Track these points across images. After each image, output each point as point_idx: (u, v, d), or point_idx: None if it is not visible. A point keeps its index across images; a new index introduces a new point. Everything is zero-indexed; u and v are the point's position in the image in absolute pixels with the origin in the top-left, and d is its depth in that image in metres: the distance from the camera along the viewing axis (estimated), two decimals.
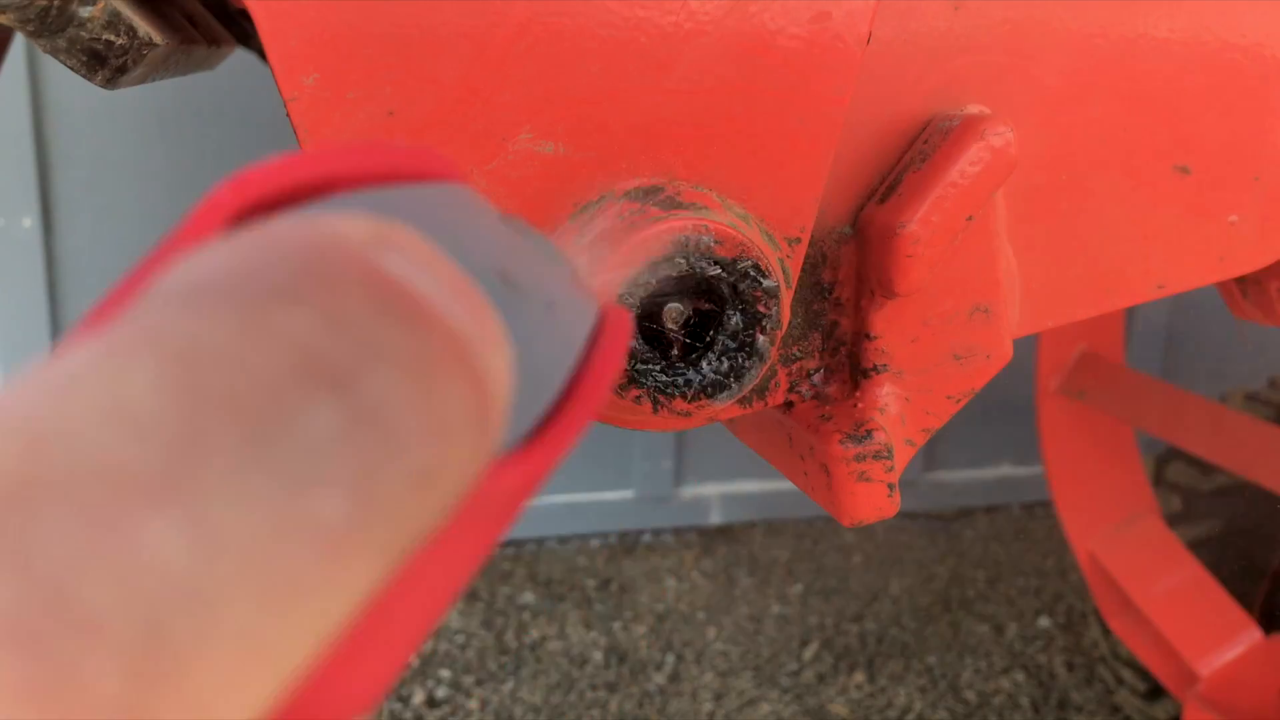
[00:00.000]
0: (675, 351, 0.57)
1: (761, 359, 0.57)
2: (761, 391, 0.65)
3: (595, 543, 2.93)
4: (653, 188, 0.57)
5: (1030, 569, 2.92)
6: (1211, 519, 1.93)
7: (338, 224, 0.23)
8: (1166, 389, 1.83)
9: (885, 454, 0.62)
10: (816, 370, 0.66)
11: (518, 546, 2.89)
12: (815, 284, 0.65)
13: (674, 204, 0.57)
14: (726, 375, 0.57)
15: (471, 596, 2.67)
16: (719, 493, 2.98)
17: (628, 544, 2.93)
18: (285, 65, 0.52)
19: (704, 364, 0.57)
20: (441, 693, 2.33)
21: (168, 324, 0.20)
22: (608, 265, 0.54)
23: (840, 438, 0.62)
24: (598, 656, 2.47)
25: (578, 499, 2.91)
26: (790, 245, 0.60)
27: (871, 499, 0.62)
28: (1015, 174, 0.63)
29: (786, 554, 2.93)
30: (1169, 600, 1.79)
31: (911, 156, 0.63)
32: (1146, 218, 0.69)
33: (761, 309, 0.56)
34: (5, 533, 0.17)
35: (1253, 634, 1.73)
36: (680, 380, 0.57)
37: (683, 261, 0.55)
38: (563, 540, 2.92)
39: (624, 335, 0.29)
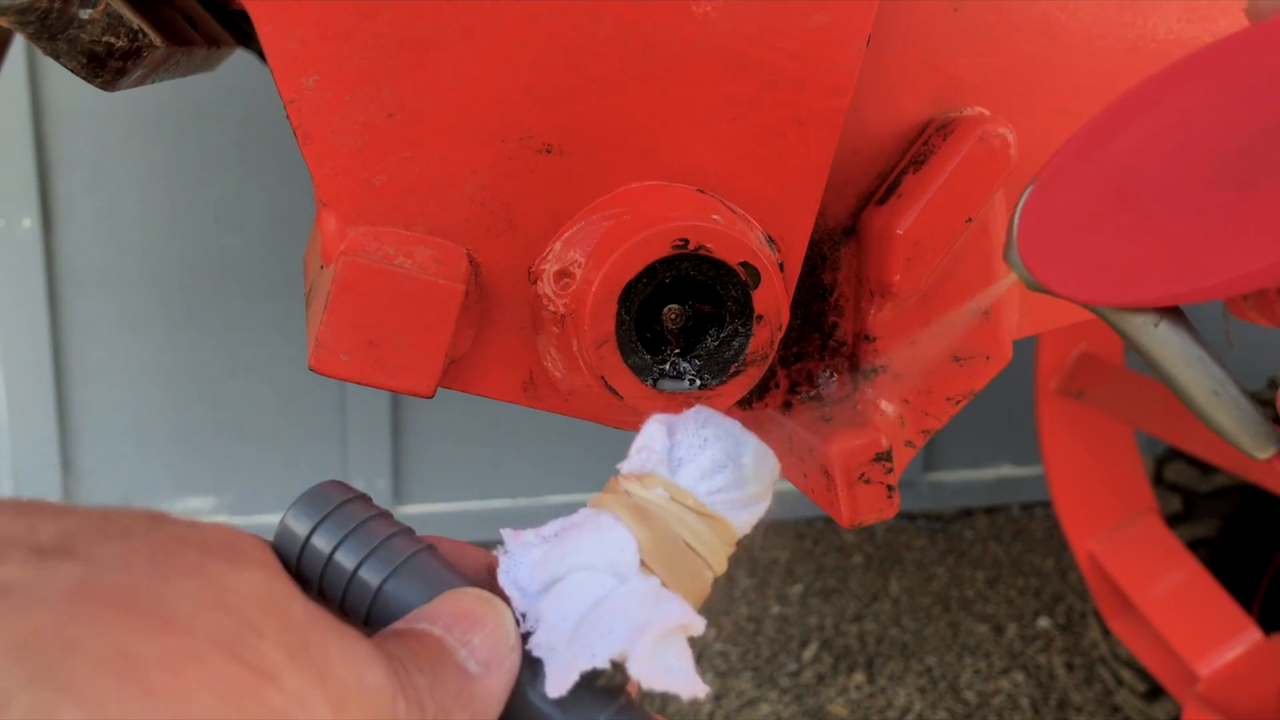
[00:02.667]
0: (675, 352, 0.57)
1: (761, 361, 0.57)
2: (761, 393, 0.65)
3: None
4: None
5: (1030, 569, 2.92)
6: (1211, 519, 1.93)
7: None
8: (1166, 389, 1.83)
9: (885, 455, 0.62)
10: (816, 371, 0.66)
11: None
12: (815, 285, 0.65)
13: None
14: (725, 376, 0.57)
15: None
16: None
17: None
18: (285, 66, 0.52)
19: (703, 365, 0.57)
20: None
21: None
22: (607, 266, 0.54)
23: (840, 439, 0.62)
24: None
25: (578, 499, 2.90)
26: (790, 247, 0.60)
27: (871, 500, 0.62)
28: (1015, 175, 0.63)
29: (786, 554, 2.93)
30: (1169, 600, 1.79)
31: (911, 158, 0.63)
32: None
33: (760, 311, 0.56)
34: None
35: (1253, 634, 1.73)
36: (680, 381, 0.57)
37: (682, 263, 0.55)
38: None
39: None
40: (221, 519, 2.75)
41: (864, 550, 2.98)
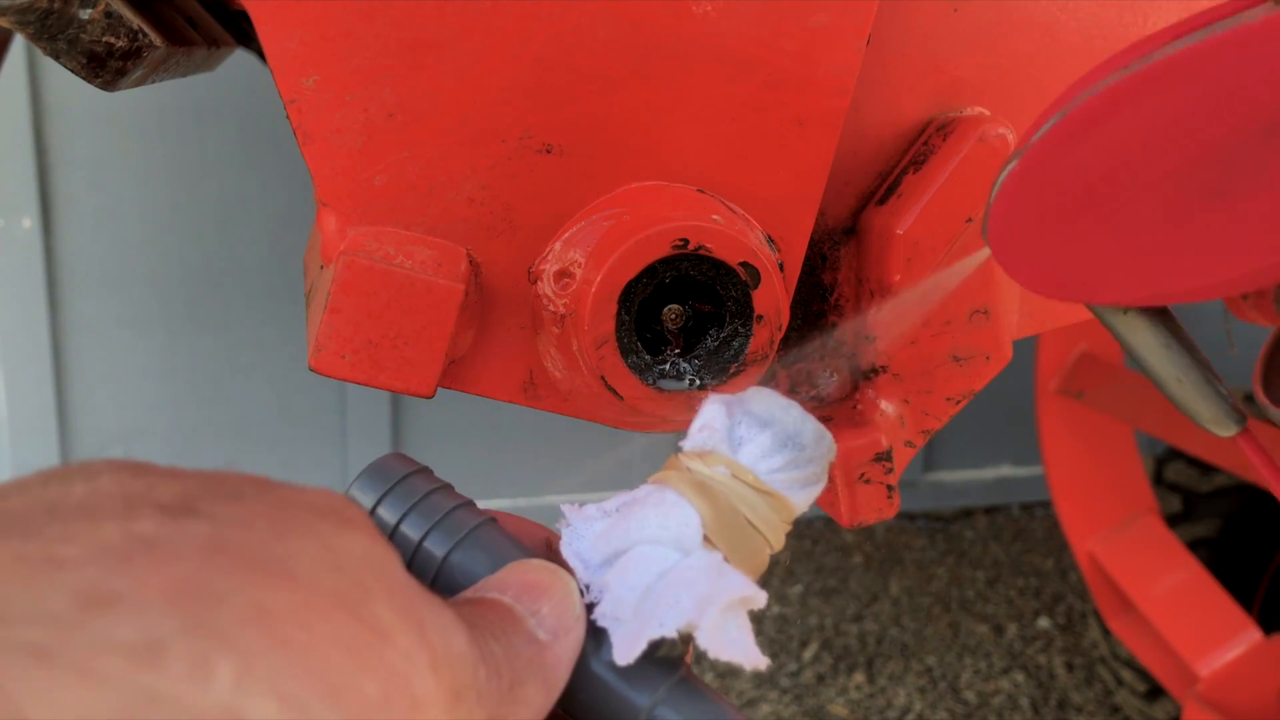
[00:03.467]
0: (675, 352, 0.57)
1: (761, 361, 0.57)
2: None
3: None
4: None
5: (1030, 569, 2.92)
6: (1211, 519, 1.93)
7: None
8: None
9: (885, 455, 0.62)
10: (816, 372, 0.66)
11: None
12: (815, 285, 0.65)
13: None
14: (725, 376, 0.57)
15: None
16: None
17: None
18: (285, 67, 0.52)
19: (703, 365, 0.57)
20: None
21: None
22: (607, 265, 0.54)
23: (840, 439, 0.62)
24: None
25: (577, 499, 2.90)
26: (790, 247, 0.60)
27: (871, 500, 0.62)
28: None
29: (786, 554, 2.92)
30: (1169, 600, 1.79)
31: (911, 158, 0.63)
32: None
33: (760, 311, 0.56)
34: None
35: (1252, 634, 1.73)
36: (680, 381, 0.57)
37: (682, 263, 0.55)
38: None
39: None
40: None
41: (864, 550, 2.98)
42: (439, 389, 0.56)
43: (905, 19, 0.62)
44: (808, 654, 2.53)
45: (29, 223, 2.46)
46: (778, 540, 0.42)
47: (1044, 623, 2.69)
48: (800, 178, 0.58)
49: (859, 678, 2.46)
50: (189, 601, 0.25)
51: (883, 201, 0.63)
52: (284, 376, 2.72)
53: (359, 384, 0.54)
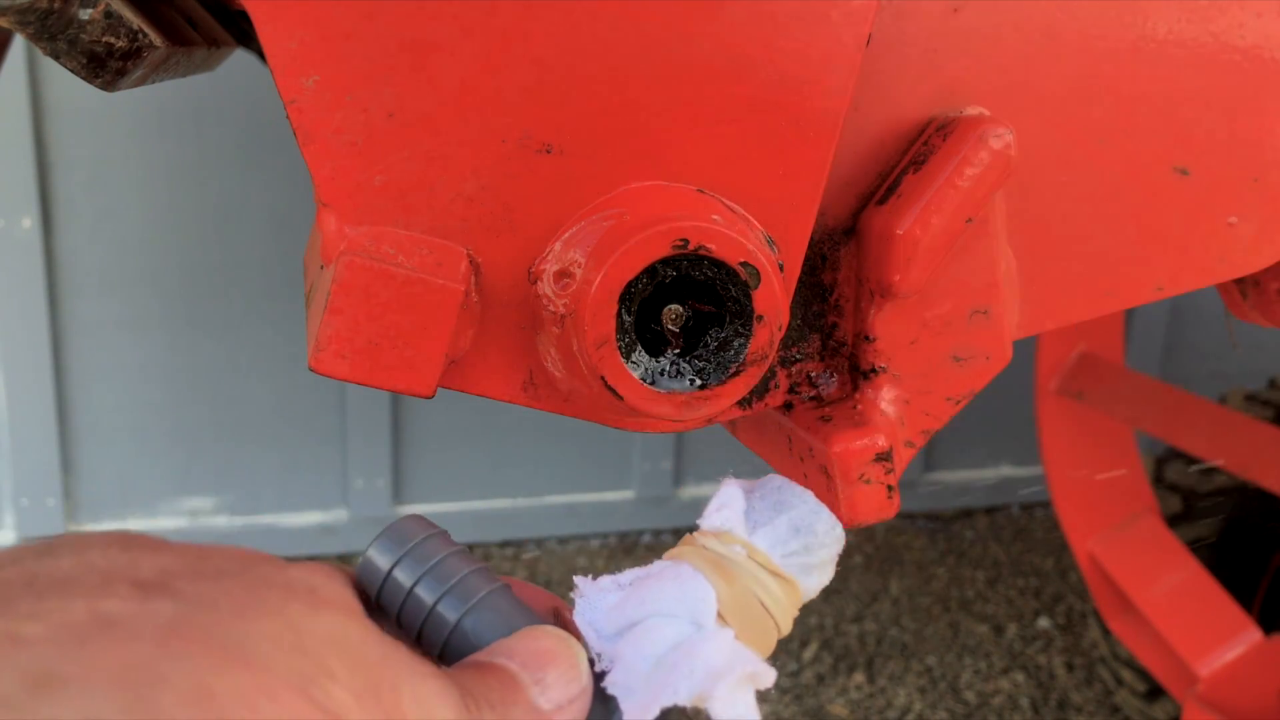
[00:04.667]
0: (675, 352, 0.57)
1: (761, 361, 0.57)
2: (761, 393, 0.65)
3: (595, 543, 2.93)
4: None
5: (1030, 569, 2.92)
6: (1211, 519, 1.93)
7: None
8: (1166, 389, 1.83)
9: (885, 455, 0.62)
10: (816, 372, 0.66)
11: (517, 547, 2.90)
12: (815, 285, 0.65)
13: None
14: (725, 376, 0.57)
15: None
16: None
17: (627, 544, 2.93)
18: (285, 67, 0.52)
19: (703, 365, 0.57)
20: None
21: None
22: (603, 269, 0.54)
23: (840, 439, 0.62)
24: None
25: (577, 499, 2.91)
26: (790, 247, 0.60)
27: (871, 501, 0.62)
28: (1014, 175, 0.63)
29: None
30: (1169, 600, 1.79)
31: (911, 158, 0.63)
32: (1146, 219, 0.69)
33: (760, 311, 0.56)
34: None
35: (1252, 634, 1.73)
36: (680, 381, 0.57)
37: (682, 263, 0.55)
38: (562, 541, 2.92)
39: None
40: (221, 519, 2.75)
41: (864, 550, 2.98)
42: (439, 389, 0.56)
43: (905, 19, 0.62)
44: (808, 654, 2.53)
45: (29, 223, 2.46)
46: (786, 624, 0.43)
47: (1044, 623, 2.69)
48: (800, 178, 0.58)
49: (859, 678, 2.46)
50: (133, 685, 0.26)
51: (883, 201, 0.62)
52: (284, 376, 2.72)
53: (359, 384, 0.54)
